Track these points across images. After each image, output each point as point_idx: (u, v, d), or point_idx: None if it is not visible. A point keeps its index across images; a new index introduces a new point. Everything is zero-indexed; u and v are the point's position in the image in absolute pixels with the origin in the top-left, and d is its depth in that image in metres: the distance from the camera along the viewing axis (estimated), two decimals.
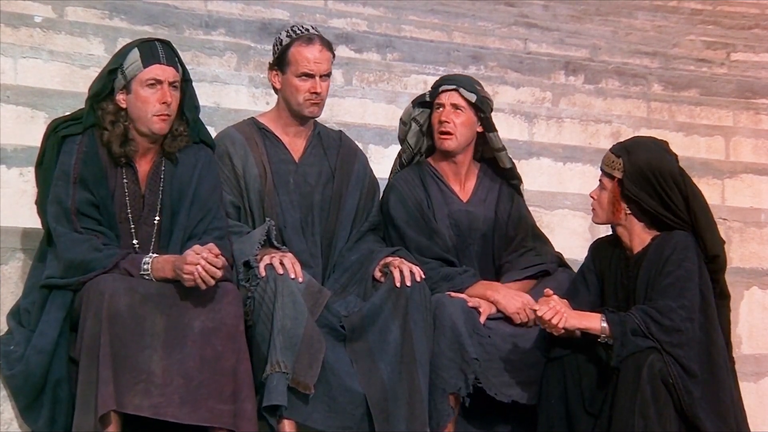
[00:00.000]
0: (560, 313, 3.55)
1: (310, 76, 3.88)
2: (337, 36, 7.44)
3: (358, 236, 4.03)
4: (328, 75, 3.94)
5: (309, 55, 3.88)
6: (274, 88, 4.00)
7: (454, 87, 4.14)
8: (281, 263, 3.67)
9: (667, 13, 10.40)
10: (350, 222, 4.03)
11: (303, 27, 3.97)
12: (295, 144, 4.02)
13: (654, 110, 7.58)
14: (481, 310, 3.93)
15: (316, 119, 4.06)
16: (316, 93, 3.89)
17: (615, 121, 6.88)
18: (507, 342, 3.91)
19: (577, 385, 3.64)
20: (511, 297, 3.97)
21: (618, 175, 3.69)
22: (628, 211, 3.71)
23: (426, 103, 4.22)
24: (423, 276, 3.82)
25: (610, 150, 3.77)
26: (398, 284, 3.76)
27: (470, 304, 3.91)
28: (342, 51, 7.32)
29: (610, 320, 3.56)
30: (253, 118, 4.09)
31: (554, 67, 8.06)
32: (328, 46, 3.95)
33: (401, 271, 3.78)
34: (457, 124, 4.12)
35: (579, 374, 3.64)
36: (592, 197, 3.80)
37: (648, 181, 3.66)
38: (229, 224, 3.79)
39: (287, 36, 3.92)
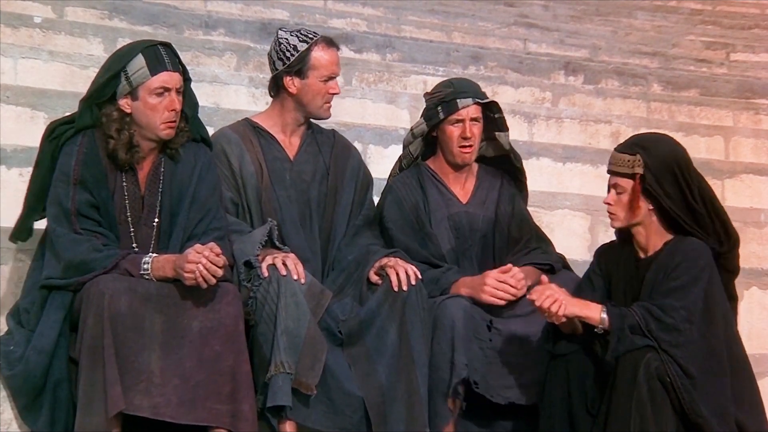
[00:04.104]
0: (559, 301, 3.53)
1: (332, 78, 3.97)
2: (337, 36, 7.35)
3: (354, 231, 4.05)
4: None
5: (332, 58, 3.98)
6: (279, 96, 4.01)
7: (472, 101, 4.12)
8: (284, 264, 3.67)
9: (667, 13, 10.39)
10: (347, 216, 4.05)
11: (309, 30, 4.03)
12: (290, 143, 4.05)
13: (654, 110, 7.57)
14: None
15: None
16: (335, 94, 3.99)
17: (615, 121, 6.88)
18: (511, 344, 3.90)
19: (581, 385, 3.63)
20: (477, 285, 3.94)
21: (639, 171, 3.65)
22: (650, 207, 3.67)
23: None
24: (419, 276, 3.82)
25: (619, 151, 3.71)
26: (396, 288, 3.77)
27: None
28: (342, 51, 7.27)
29: (610, 312, 3.55)
30: (247, 118, 4.12)
31: (554, 67, 8.06)
32: (338, 47, 4.07)
33: (398, 274, 3.79)
34: (477, 136, 4.14)
35: (583, 374, 3.63)
36: (608, 203, 3.72)
37: (671, 172, 3.64)
38: (230, 221, 3.80)
39: (301, 41, 3.95)
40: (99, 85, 3.64)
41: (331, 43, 4.00)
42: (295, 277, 3.65)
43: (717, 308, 3.62)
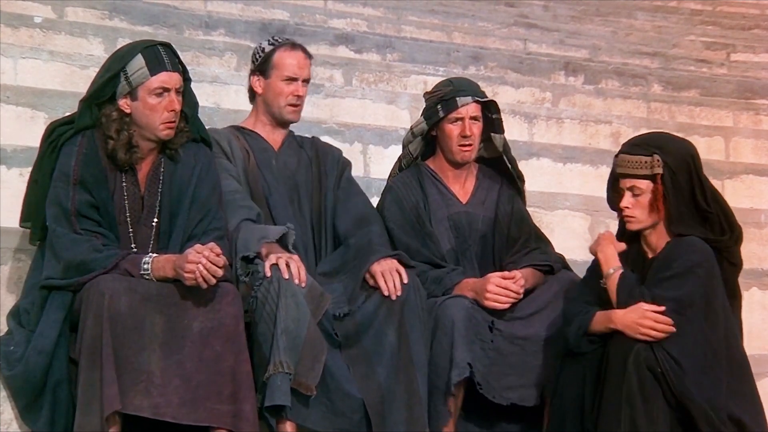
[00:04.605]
0: (664, 329, 3.54)
1: (294, 79, 4.06)
2: (337, 36, 7.44)
3: (343, 197, 4.12)
4: (308, 81, 4.13)
5: (293, 60, 4.08)
6: (255, 94, 4.15)
7: (472, 100, 4.13)
8: (287, 265, 3.66)
9: (667, 14, 10.40)
10: (333, 199, 4.13)
11: (282, 37, 4.18)
12: (273, 139, 4.16)
13: (654, 110, 7.57)
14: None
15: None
16: (298, 96, 4.07)
17: (615, 122, 6.88)
18: (515, 344, 3.90)
19: (595, 385, 3.59)
20: (480, 290, 3.93)
21: (659, 171, 3.66)
22: (664, 208, 3.68)
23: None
24: (405, 281, 3.80)
25: (632, 154, 3.70)
26: (391, 295, 3.78)
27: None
28: (342, 51, 7.32)
29: (623, 277, 3.60)
30: (231, 125, 4.25)
31: (554, 68, 8.05)
32: (309, 54, 4.15)
33: (386, 282, 3.79)
34: (476, 135, 4.14)
35: (599, 375, 3.60)
36: (626, 207, 3.71)
37: (688, 168, 3.68)
38: (233, 188, 3.87)
39: (269, 44, 4.12)
40: (99, 85, 3.64)
41: (296, 46, 4.11)
42: (297, 282, 3.65)
43: (717, 303, 3.62)
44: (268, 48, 4.10)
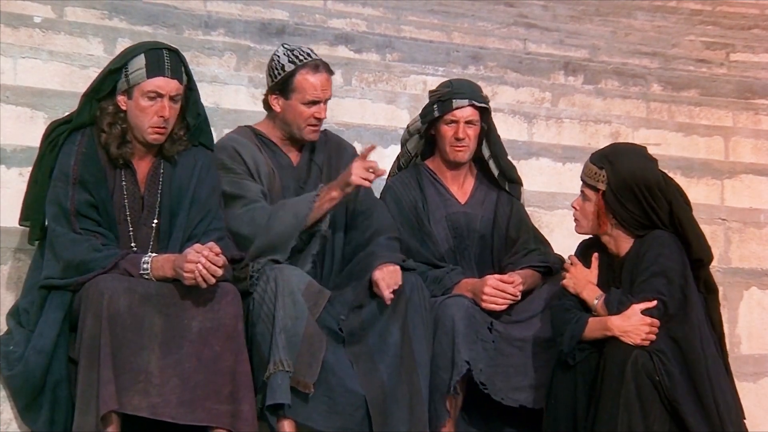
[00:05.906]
0: (654, 331, 3.55)
1: (316, 102, 3.93)
2: (336, 36, 7.44)
3: (364, 211, 4.03)
4: (329, 99, 4.01)
5: (317, 83, 3.93)
6: (271, 110, 4.01)
7: (468, 103, 4.13)
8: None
9: (667, 13, 10.41)
10: (349, 208, 4.04)
11: (303, 51, 3.98)
12: (290, 151, 4.06)
13: (653, 110, 7.57)
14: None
15: None
16: (319, 118, 3.96)
17: (614, 122, 6.88)
18: (514, 346, 3.90)
19: (587, 391, 3.59)
20: (478, 291, 3.93)
21: (602, 187, 3.66)
22: (614, 221, 3.69)
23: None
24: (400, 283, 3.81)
25: (591, 161, 3.73)
26: (388, 303, 3.78)
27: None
28: (341, 51, 7.32)
29: (607, 297, 3.60)
30: (249, 126, 4.11)
31: (554, 68, 8.06)
32: (331, 71, 4.00)
33: (387, 289, 3.78)
34: (471, 137, 4.14)
35: (591, 381, 3.59)
36: (574, 207, 3.76)
37: (632, 192, 3.64)
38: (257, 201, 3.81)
39: (290, 62, 3.93)
40: (100, 78, 3.65)
41: (318, 68, 3.94)
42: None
43: (693, 299, 3.63)
44: (288, 66, 3.92)
